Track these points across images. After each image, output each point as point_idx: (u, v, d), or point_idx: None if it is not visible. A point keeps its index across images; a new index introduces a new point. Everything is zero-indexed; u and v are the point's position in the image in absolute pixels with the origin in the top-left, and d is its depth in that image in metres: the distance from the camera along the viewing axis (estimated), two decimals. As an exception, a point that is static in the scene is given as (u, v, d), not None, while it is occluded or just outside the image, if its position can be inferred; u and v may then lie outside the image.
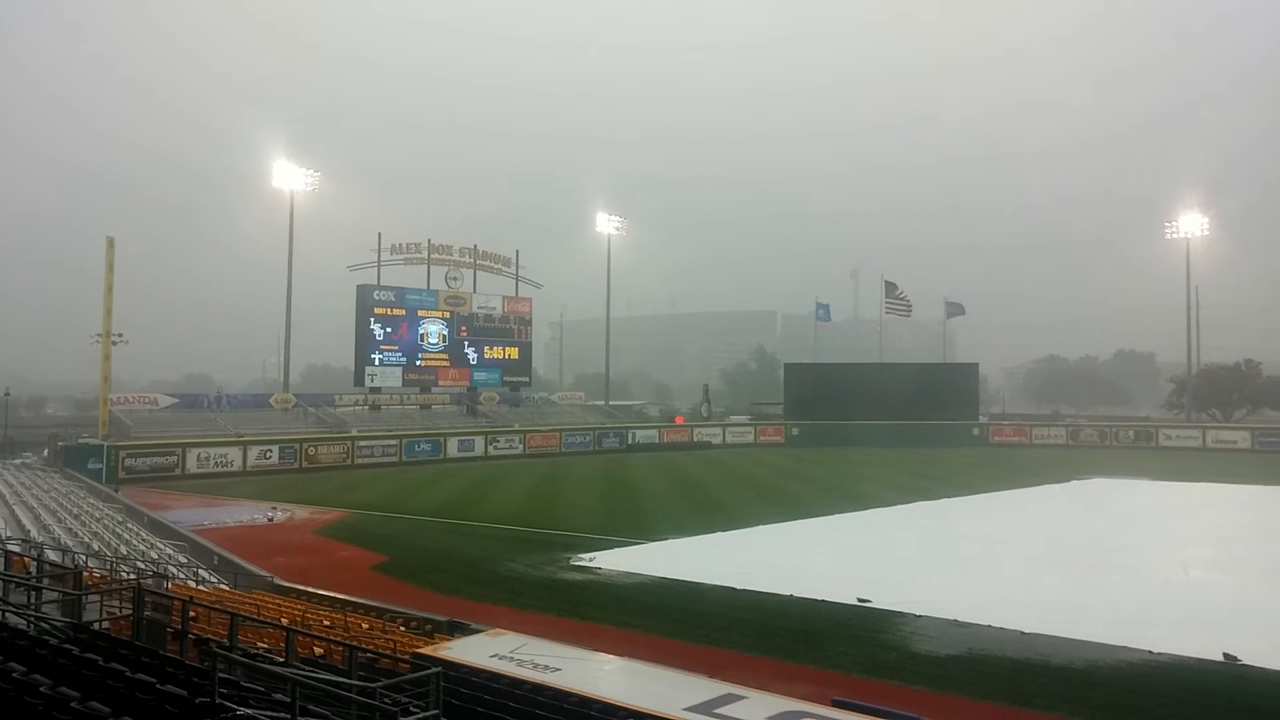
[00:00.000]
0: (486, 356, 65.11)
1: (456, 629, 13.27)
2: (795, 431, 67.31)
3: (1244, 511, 33.56)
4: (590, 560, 21.35)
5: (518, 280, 66.97)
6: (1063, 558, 22.93)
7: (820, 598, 17.02)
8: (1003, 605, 16.33)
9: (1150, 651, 13.40)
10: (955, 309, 79.34)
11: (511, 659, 10.14)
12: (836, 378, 71.54)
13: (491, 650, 10.25)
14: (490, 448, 55.51)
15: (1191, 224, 72.00)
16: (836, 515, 29.32)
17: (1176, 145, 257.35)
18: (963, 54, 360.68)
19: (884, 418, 65.97)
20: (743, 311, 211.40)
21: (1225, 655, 12.97)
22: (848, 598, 16.89)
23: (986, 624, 14.95)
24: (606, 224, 74.76)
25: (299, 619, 12.92)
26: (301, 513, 31.62)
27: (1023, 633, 14.49)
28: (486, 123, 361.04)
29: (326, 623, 13.09)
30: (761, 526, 26.78)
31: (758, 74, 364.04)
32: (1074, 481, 41.32)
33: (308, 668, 8.26)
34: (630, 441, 62.45)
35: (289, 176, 58.95)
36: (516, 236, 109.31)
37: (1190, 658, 13.14)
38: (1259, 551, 24.41)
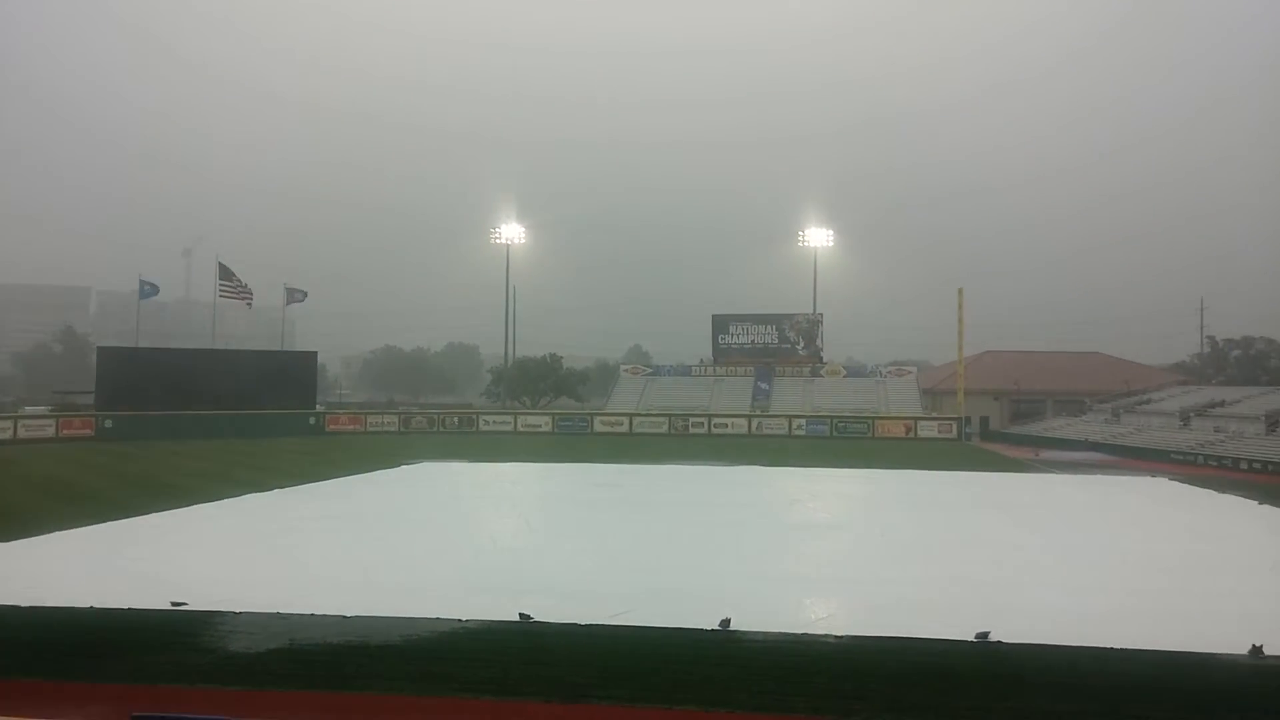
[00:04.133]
0: None
1: None
2: (109, 424, 60.45)
3: (542, 485, 38.70)
4: None
5: None
6: (387, 539, 23.86)
7: (128, 606, 15.27)
8: (327, 591, 16.36)
9: (460, 620, 14.46)
10: (297, 295, 78.35)
11: None
12: (162, 364, 66.08)
13: None
14: None
15: (512, 231, 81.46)
16: (155, 514, 26.77)
17: (496, 165, 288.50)
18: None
19: (216, 407, 62.70)
20: (46, 285, 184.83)
21: (521, 615, 14.54)
22: (161, 603, 15.42)
23: (309, 612, 14.78)
24: None
25: None
26: None
27: (344, 616, 14.62)
28: None
29: None
30: (59, 533, 23.23)
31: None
32: (404, 466, 43.56)
33: None
34: (-119, 439, 50.15)
35: None
36: None
37: (493, 620, 14.47)
38: (553, 519, 28.26)
